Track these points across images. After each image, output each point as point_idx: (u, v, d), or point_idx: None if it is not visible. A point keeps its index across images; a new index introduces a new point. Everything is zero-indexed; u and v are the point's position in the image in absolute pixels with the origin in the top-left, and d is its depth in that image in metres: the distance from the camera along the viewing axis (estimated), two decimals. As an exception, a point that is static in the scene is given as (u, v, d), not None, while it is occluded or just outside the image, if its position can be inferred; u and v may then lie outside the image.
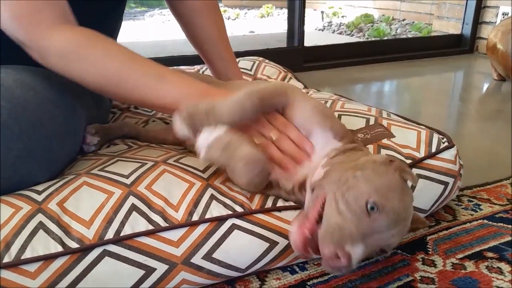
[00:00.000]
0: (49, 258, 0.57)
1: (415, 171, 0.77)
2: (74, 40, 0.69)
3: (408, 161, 0.77)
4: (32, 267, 0.56)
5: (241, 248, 0.66)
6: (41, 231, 0.59)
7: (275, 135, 0.69)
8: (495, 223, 0.85)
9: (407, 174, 0.61)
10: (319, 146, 0.69)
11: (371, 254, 0.63)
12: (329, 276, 0.70)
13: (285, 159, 0.69)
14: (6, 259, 0.55)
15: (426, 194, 0.78)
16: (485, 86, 2.01)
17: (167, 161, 0.74)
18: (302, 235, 0.57)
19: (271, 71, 1.39)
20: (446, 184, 0.79)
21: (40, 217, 0.60)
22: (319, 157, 0.68)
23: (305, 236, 0.57)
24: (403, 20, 4.03)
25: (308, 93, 1.21)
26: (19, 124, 0.63)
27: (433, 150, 0.80)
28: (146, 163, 0.72)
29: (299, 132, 0.70)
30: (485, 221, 0.86)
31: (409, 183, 0.63)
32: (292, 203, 0.70)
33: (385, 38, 3.47)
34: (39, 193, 0.65)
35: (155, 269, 0.61)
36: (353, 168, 0.61)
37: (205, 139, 0.66)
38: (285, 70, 1.42)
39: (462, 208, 0.90)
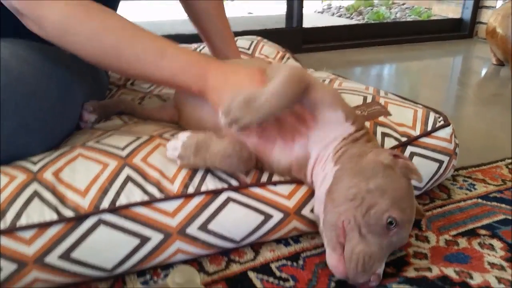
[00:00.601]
0: (44, 225, 0.57)
1: (410, 149, 0.78)
2: (71, 11, 0.67)
3: (404, 139, 0.78)
4: (27, 234, 0.57)
5: (236, 221, 0.66)
6: (36, 199, 0.59)
7: None
8: (489, 202, 0.85)
9: (413, 173, 0.63)
10: (330, 128, 0.67)
11: None
12: (323, 249, 0.70)
13: (283, 131, 0.68)
14: (1, 226, 0.56)
15: (421, 171, 0.76)
16: (484, 71, 2.01)
17: (163, 136, 0.74)
18: (340, 261, 0.60)
19: (269, 50, 1.38)
20: (441, 162, 0.79)
21: (35, 186, 0.60)
22: (329, 138, 0.67)
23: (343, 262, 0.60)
24: (403, 4, 4.00)
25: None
26: (15, 97, 0.62)
27: (429, 128, 0.81)
28: (142, 137, 0.72)
29: (302, 106, 0.67)
30: (480, 200, 0.86)
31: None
32: (287, 178, 0.71)
33: (385, 21, 3.45)
34: (34, 163, 0.65)
35: (150, 238, 0.61)
36: (363, 174, 0.62)
37: (173, 151, 0.66)
38: (283, 50, 1.41)
39: (457, 188, 0.91)
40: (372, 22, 3.45)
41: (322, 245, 0.71)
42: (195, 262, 0.67)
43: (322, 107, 0.66)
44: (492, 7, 2.54)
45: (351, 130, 0.68)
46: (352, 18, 3.75)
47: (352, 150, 0.65)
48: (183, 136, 0.67)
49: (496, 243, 0.73)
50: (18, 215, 0.57)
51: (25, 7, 0.67)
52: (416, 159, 0.77)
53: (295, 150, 0.68)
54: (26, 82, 0.65)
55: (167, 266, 0.66)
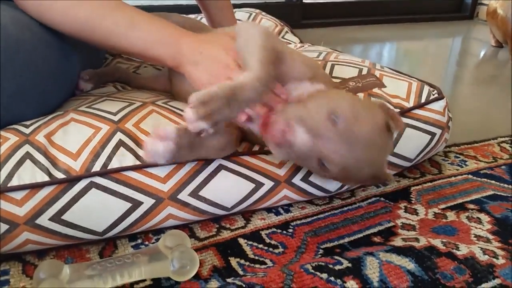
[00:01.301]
0: (35, 187, 0.58)
1: (403, 120, 0.77)
2: None
3: (397, 110, 0.78)
4: (18, 195, 0.57)
5: (227, 188, 0.67)
6: (28, 161, 0.59)
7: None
8: (479, 178, 0.86)
9: (394, 119, 0.61)
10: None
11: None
12: (312, 218, 0.71)
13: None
14: (-8, 185, 0.56)
15: (412, 143, 0.78)
16: (482, 52, 2.00)
17: (156, 103, 0.74)
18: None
19: (267, 24, 1.37)
20: (433, 134, 0.80)
21: (27, 148, 0.60)
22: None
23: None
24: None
25: (303, 47, 1.19)
26: (13, 64, 0.61)
27: (423, 100, 0.81)
28: (134, 103, 0.72)
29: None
30: (470, 176, 0.87)
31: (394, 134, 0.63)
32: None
33: None
34: (26, 126, 0.65)
35: (142, 202, 0.62)
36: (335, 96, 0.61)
37: (165, 148, 0.58)
38: (282, 24, 1.40)
39: (448, 163, 0.91)
40: None
41: (312, 215, 0.72)
42: (186, 228, 0.68)
43: (290, 80, 0.67)
44: (494, -12, 2.50)
45: (319, 87, 0.66)
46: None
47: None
48: (170, 130, 0.59)
49: (484, 217, 0.74)
50: (10, 176, 0.57)
51: None
52: (408, 131, 0.78)
53: None
54: (25, 49, 0.64)
55: (158, 231, 0.67)
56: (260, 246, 0.64)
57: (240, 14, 1.35)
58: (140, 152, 0.63)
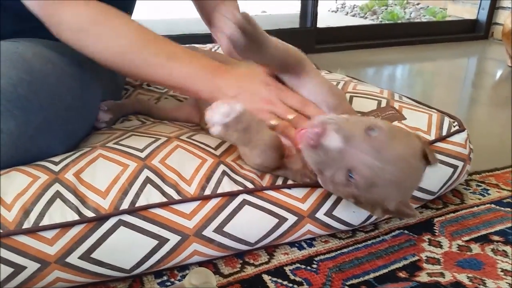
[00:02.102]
0: (65, 226, 0.59)
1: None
2: (85, 16, 0.69)
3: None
4: (49, 234, 0.58)
5: (251, 223, 0.67)
6: (58, 200, 0.61)
7: (292, 116, 0.68)
8: (502, 208, 0.85)
9: (431, 151, 0.60)
10: None
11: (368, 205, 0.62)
12: (336, 252, 0.71)
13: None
14: (25, 225, 0.57)
15: (435, 176, 0.78)
16: (499, 73, 1.99)
17: (180, 137, 0.75)
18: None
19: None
20: (455, 167, 0.80)
21: (57, 187, 0.62)
22: None
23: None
24: (418, 3, 3.97)
25: (320, 74, 1.20)
26: (38, 97, 0.63)
27: (444, 133, 0.81)
28: (160, 138, 0.73)
29: (317, 109, 0.69)
30: (493, 205, 0.86)
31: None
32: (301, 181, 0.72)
33: (399, 21, 3.42)
34: (56, 163, 0.66)
35: (168, 239, 0.63)
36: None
37: (222, 116, 0.60)
38: (297, 50, 1.42)
39: (470, 192, 0.91)
40: (386, 22, 3.43)
41: (336, 249, 0.72)
42: (211, 264, 0.68)
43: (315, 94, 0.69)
44: (509, 7, 2.51)
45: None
46: (366, 18, 3.73)
47: None
48: (239, 106, 0.60)
49: (510, 250, 0.73)
50: (41, 215, 0.59)
51: (43, 14, 0.69)
52: (429, 165, 0.78)
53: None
54: (49, 82, 0.66)
55: (183, 267, 0.68)
56: (285, 283, 0.65)
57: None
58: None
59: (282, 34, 1.84)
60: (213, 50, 1.34)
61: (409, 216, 0.63)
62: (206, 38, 1.41)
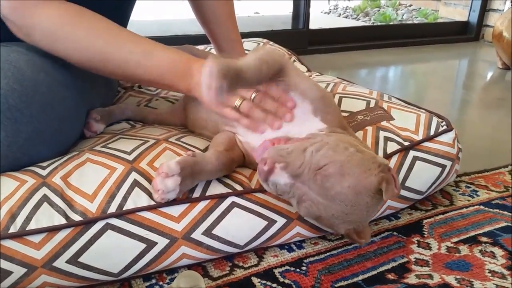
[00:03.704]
0: (53, 230, 0.59)
1: (412, 153, 0.78)
2: (58, 18, 0.67)
3: (406, 143, 0.78)
4: (36, 238, 0.58)
5: (240, 225, 0.67)
6: (45, 204, 0.60)
7: (254, 94, 0.69)
8: (491, 209, 0.86)
9: (389, 184, 0.58)
10: (302, 120, 0.70)
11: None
12: (326, 254, 0.71)
13: (268, 118, 0.69)
14: (12, 230, 0.57)
15: (423, 176, 0.79)
16: (489, 74, 2.01)
17: (169, 140, 0.75)
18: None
19: (275, 53, 1.38)
20: (443, 167, 0.80)
21: (44, 190, 0.62)
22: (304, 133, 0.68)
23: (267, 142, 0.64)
24: (410, 5, 3.99)
25: (310, 76, 1.21)
26: (30, 107, 0.62)
27: (432, 133, 0.81)
28: (148, 141, 0.73)
29: (280, 91, 0.70)
30: (482, 207, 0.87)
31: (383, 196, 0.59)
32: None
33: (391, 23, 3.44)
34: (43, 168, 0.66)
35: (157, 243, 0.62)
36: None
37: (174, 182, 0.61)
38: (289, 52, 1.42)
39: (460, 194, 0.91)
40: (379, 24, 3.44)
41: (325, 251, 0.72)
42: (200, 267, 0.68)
43: (294, 94, 0.70)
44: (500, 10, 2.53)
45: (320, 126, 0.69)
46: (358, 19, 3.74)
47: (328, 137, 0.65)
48: (172, 165, 0.61)
49: (497, 251, 0.73)
50: (28, 219, 0.58)
51: (14, 16, 0.66)
52: (418, 164, 0.78)
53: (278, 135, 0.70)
54: (42, 92, 0.65)
55: (172, 271, 0.67)
56: (274, 285, 0.65)
57: (248, 44, 1.37)
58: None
59: (275, 35, 1.85)
60: (206, 50, 1.33)
61: (358, 243, 0.68)
62: (199, 39, 1.42)
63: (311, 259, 0.70)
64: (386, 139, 0.79)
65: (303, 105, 0.70)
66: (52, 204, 0.61)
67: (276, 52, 0.73)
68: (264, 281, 0.65)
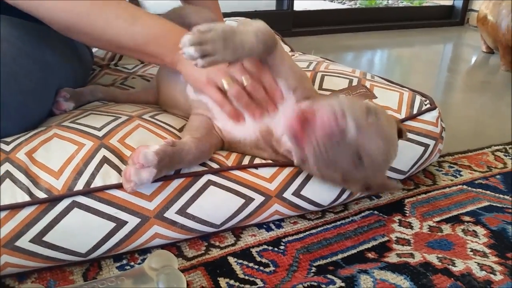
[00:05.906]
0: (15, 207, 0.55)
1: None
2: None
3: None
4: (-3, 216, 0.55)
5: (216, 204, 0.64)
6: (7, 180, 0.57)
7: (247, 81, 0.66)
8: (474, 189, 0.85)
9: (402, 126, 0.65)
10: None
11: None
12: (305, 234, 0.69)
13: (252, 106, 0.67)
14: (-31, 207, 0.53)
15: (405, 155, 0.77)
16: (474, 58, 2.00)
17: (142, 116, 0.72)
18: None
19: (257, 32, 1.35)
20: (426, 146, 0.78)
21: (7, 166, 0.58)
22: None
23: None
24: (396, -10, 3.96)
25: (293, 55, 1.18)
26: None
27: (415, 111, 0.79)
28: (120, 117, 0.70)
29: (273, 81, 0.67)
30: (464, 186, 0.86)
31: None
32: (269, 161, 0.69)
33: (377, 6, 3.41)
34: (7, 143, 0.62)
35: (127, 222, 0.59)
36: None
37: (149, 175, 0.57)
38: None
39: (443, 174, 0.90)
40: (364, 7, 3.41)
41: (305, 230, 0.70)
42: (174, 247, 0.66)
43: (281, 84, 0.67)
44: (484, -6, 2.51)
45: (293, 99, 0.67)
46: (344, 3, 3.71)
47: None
48: (152, 148, 0.57)
49: (480, 230, 0.72)
50: (-12, 196, 0.55)
51: None
52: (401, 143, 0.75)
53: (260, 126, 0.68)
54: (4, 63, 0.62)
55: (144, 251, 0.64)
56: (251, 265, 0.62)
57: (229, 23, 1.33)
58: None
59: (258, 16, 1.80)
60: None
61: (395, 189, 0.73)
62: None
63: (290, 238, 0.68)
64: (369, 116, 0.76)
65: (288, 97, 0.67)
66: (15, 180, 0.57)
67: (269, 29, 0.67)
68: (240, 261, 0.63)
